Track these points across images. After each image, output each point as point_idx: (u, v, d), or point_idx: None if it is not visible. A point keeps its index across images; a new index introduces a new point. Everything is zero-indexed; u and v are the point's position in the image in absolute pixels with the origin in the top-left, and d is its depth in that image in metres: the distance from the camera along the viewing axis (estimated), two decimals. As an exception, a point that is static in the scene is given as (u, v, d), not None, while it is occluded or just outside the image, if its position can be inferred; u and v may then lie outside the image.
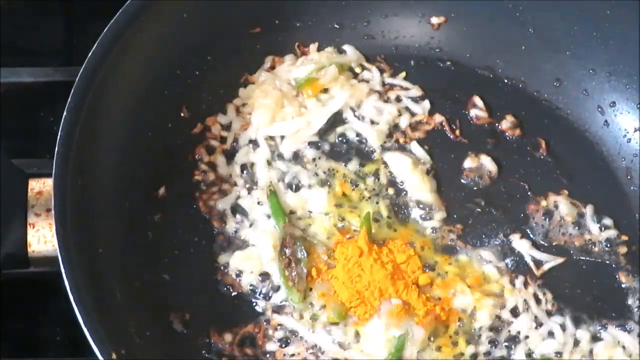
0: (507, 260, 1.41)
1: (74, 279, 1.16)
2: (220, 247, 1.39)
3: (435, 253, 1.41)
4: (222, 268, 1.37)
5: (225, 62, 1.49)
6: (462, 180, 1.47)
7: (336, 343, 1.32)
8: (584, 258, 1.43)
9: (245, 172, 1.44)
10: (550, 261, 1.41)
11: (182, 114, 1.46)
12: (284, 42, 1.54)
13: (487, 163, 1.48)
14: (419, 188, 1.44)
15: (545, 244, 1.43)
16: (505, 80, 1.56)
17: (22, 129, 1.58)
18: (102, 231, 1.27)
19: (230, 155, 1.46)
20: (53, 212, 1.20)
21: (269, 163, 1.45)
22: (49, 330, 1.42)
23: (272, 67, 1.53)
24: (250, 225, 1.40)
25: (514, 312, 1.37)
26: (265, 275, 1.36)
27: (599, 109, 1.52)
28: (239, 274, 1.36)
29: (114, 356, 1.14)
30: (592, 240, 1.43)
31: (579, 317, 1.38)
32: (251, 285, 1.36)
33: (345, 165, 1.46)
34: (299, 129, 1.47)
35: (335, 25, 1.56)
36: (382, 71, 1.55)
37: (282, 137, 1.47)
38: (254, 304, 1.35)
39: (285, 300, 1.35)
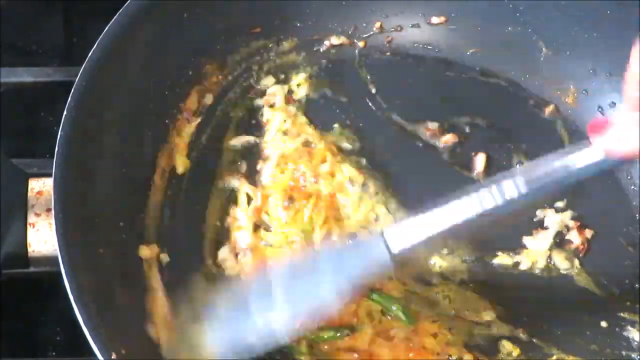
0: (507, 260, 1.42)
1: (74, 279, 1.16)
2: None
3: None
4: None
5: (225, 62, 1.49)
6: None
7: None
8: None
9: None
10: (550, 261, 1.42)
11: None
12: (284, 42, 1.54)
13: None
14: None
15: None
16: (506, 81, 1.56)
17: (22, 129, 1.58)
18: (102, 231, 1.27)
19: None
20: (53, 212, 1.19)
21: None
22: (49, 330, 1.41)
23: (272, 67, 1.53)
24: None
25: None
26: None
27: (599, 109, 1.52)
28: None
29: (114, 356, 1.14)
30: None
31: (579, 317, 1.38)
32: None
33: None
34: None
35: (335, 25, 1.56)
36: (382, 71, 1.55)
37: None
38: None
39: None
